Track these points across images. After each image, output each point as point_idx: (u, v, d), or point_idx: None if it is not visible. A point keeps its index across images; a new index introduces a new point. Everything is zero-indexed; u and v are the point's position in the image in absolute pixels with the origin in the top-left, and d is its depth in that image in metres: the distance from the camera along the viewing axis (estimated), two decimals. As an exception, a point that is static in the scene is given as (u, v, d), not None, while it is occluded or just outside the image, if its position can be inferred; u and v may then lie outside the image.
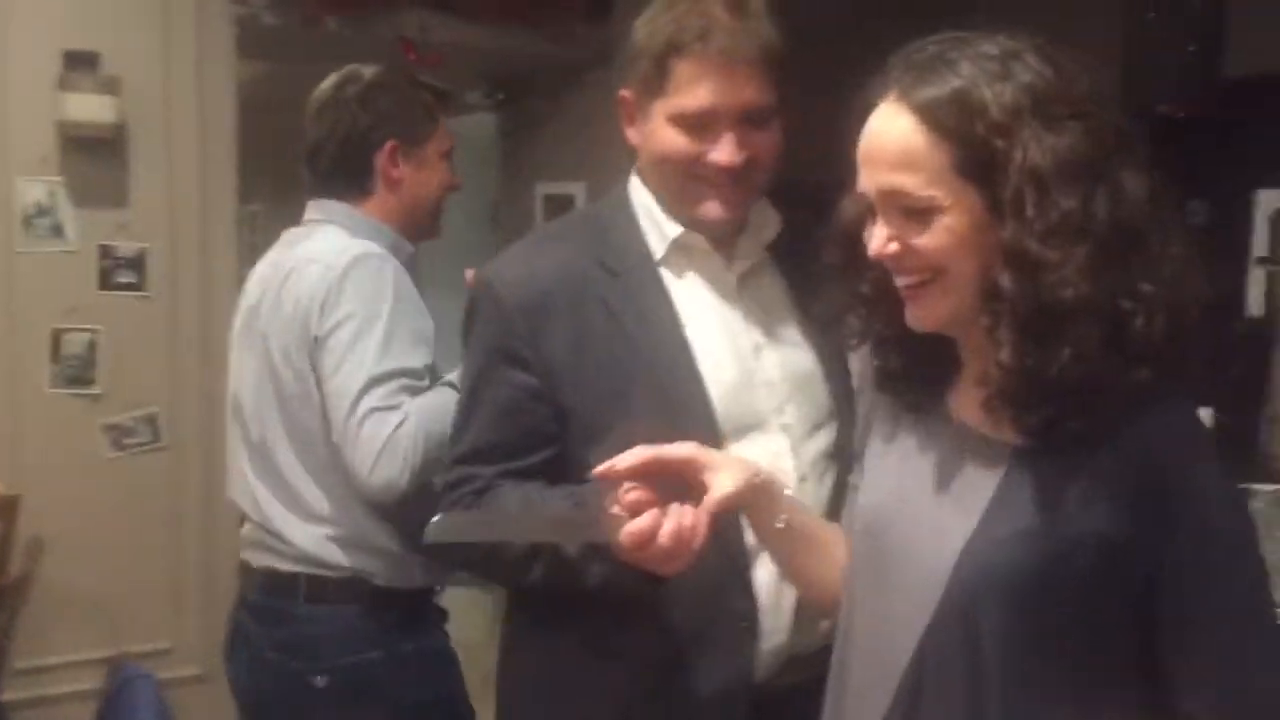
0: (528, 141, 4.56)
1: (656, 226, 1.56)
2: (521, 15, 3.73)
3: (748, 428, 1.51)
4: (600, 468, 1.24)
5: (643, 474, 1.23)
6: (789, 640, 1.48)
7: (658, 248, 1.55)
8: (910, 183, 1.11)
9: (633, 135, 1.56)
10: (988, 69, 1.10)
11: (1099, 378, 1.08)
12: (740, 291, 1.58)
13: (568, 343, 1.50)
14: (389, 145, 2.07)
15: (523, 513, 1.42)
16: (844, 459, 1.51)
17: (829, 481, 1.53)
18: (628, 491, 1.23)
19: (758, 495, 1.27)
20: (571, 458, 1.50)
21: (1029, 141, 1.08)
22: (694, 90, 1.45)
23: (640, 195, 1.58)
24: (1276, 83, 3.14)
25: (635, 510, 1.23)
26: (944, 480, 1.19)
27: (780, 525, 1.29)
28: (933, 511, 1.18)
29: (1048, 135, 1.08)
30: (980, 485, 1.15)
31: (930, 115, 1.10)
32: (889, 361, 1.26)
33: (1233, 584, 1.12)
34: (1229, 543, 1.13)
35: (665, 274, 1.55)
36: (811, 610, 1.45)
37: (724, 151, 1.47)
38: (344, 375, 1.84)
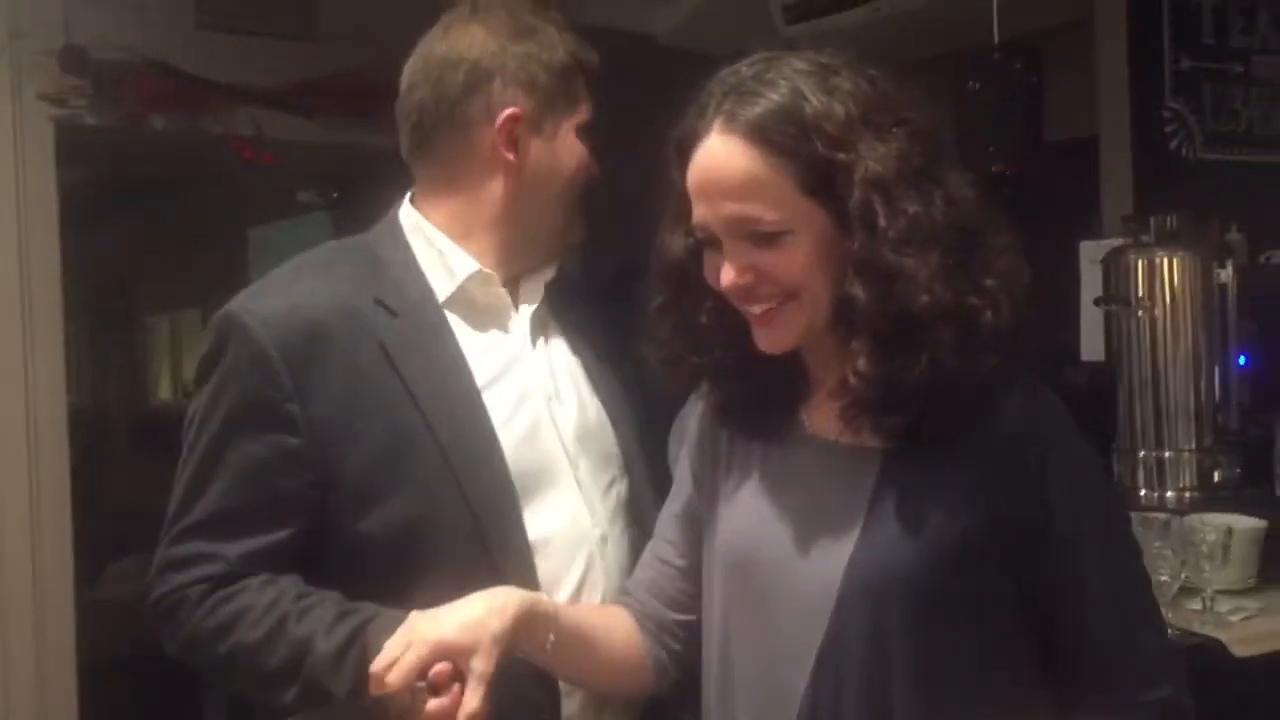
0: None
1: (442, 263, 1.41)
2: (358, 110, 3.68)
3: (543, 486, 1.39)
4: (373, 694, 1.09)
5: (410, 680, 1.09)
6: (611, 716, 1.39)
7: (443, 286, 1.40)
8: (757, 209, 1.11)
9: (512, 154, 1.42)
10: (809, 84, 1.12)
11: (955, 375, 1.10)
12: (531, 334, 1.47)
13: (340, 396, 1.31)
14: None
15: (342, 708, 1.21)
16: (639, 512, 1.44)
17: (628, 538, 1.44)
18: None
19: (519, 638, 1.16)
20: (336, 528, 1.31)
21: (866, 152, 1.10)
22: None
23: (423, 229, 1.43)
24: (1089, 145, 3.38)
25: (438, 682, 1.10)
26: (813, 498, 1.18)
27: (549, 647, 1.20)
28: (807, 532, 1.17)
29: (879, 144, 1.10)
30: (853, 496, 1.15)
31: (765, 138, 1.10)
32: (733, 391, 1.25)
33: (1108, 543, 1.17)
34: (1098, 505, 1.18)
35: (450, 316, 1.41)
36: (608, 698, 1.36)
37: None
38: None
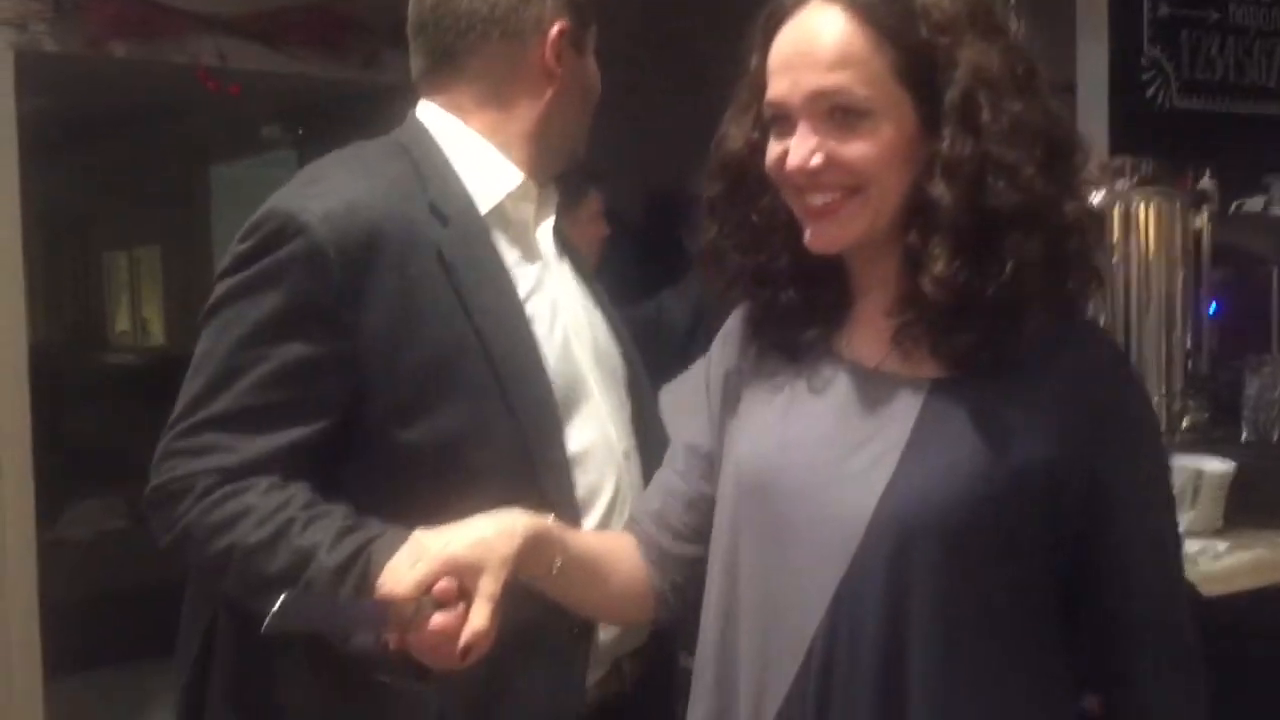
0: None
1: (485, 173, 1.38)
2: (325, 40, 3.61)
3: (577, 400, 1.38)
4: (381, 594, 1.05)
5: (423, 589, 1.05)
6: (617, 640, 1.37)
7: (484, 197, 1.37)
8: (848, 81, 1.05)
9: (554, 66, 1.40)
10: None
11: (1033, 296, 1.05)
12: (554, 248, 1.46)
13: (392, 302, 1.27)
14: None
15: (347, 601, 1.15)
16: (647, 432, 1.44)
17: (642, 457, 1.43)
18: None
19: (525, 561, 1.10)
20: (377, 437, 1.28)
21: (971, 46, 1.06)
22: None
23: (461, 137, 1.39)
24: (1066, 92, 3.38)
25: (444, 598, 1.05)
26: (846, 425, 1.12)
27: (554, 572, 1.15)
28: (835, 462, 1.11)
29: (985, 43, 1.06)
30: (892, 425, 1.09)
31: (870, 14, 1.05)
32: (771, 300, 1.17)
33: (1154, 509, 1.14)
34: (1151, 464, 1.15)
35: (493, 230, 1.38)
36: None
37: None
38: None
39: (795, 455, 1.13)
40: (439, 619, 1.04)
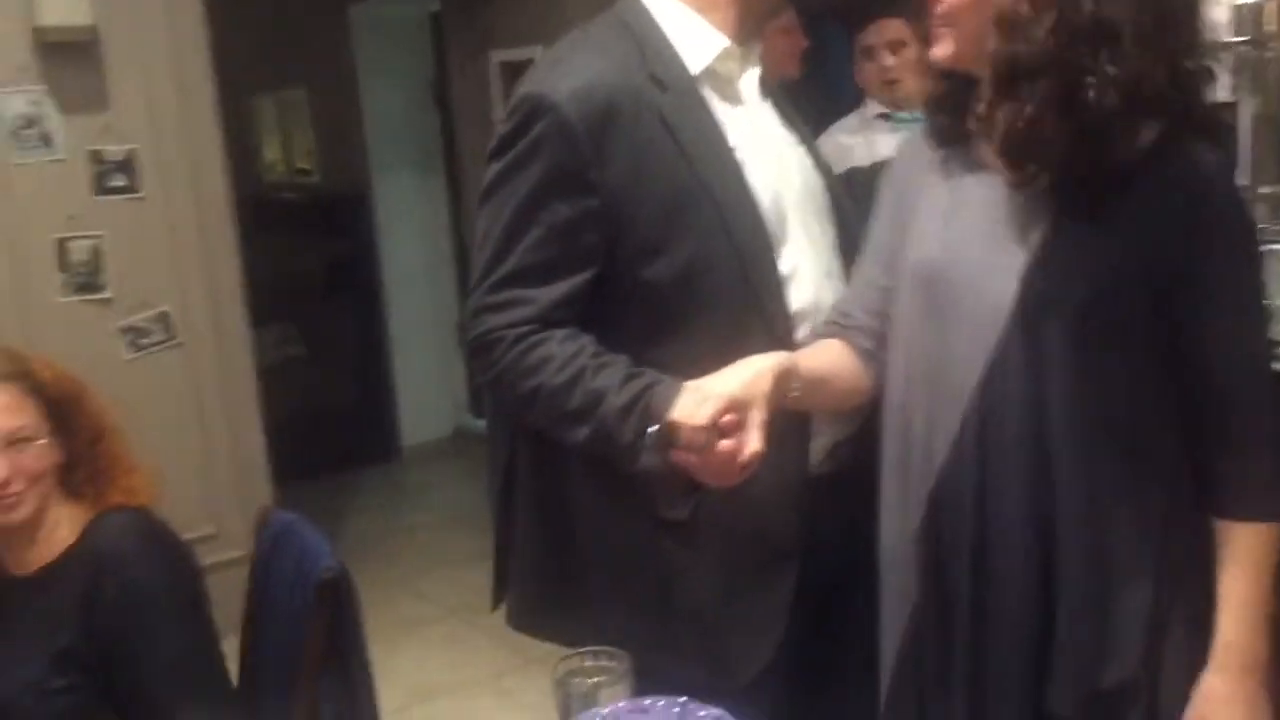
0: (479, 7, 4.56)
1: (696, 39, 1.56)
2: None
3: (787, 231, 1.57)
4: (683, 440, 1.33)
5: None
6: (835, 427, 1.60)
7: (694, 60, 1.55)
8: None
9: None
10: None
11: (1068, 131, 1.25)
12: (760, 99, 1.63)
13: (629, 162, 1.49)
14: None
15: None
16: (844, 250, 1.63)
17: (838, 272, 1.63)
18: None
19: (779, 393, 1.37)
20: (627, 275, 1.51)
21: None
22: None
23: (671, 8, 1.57)
24: None
25: (729, 428, 1.32)
26: (992, 228, 1.35)
27: (794, 394, 1.41)
28: (985, 257, 1.35)
29: None
30: (1029, 228, 1.32)
31: None
32: (939, 118, 1.44)
33: (1241, 301, 1.33)
34: (1243, 264, 1.34)
35: (703, 88, 1.56)
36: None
37: None
38: None
39: (952, 253, 1.39)
40: (725, 444, 1.33)
